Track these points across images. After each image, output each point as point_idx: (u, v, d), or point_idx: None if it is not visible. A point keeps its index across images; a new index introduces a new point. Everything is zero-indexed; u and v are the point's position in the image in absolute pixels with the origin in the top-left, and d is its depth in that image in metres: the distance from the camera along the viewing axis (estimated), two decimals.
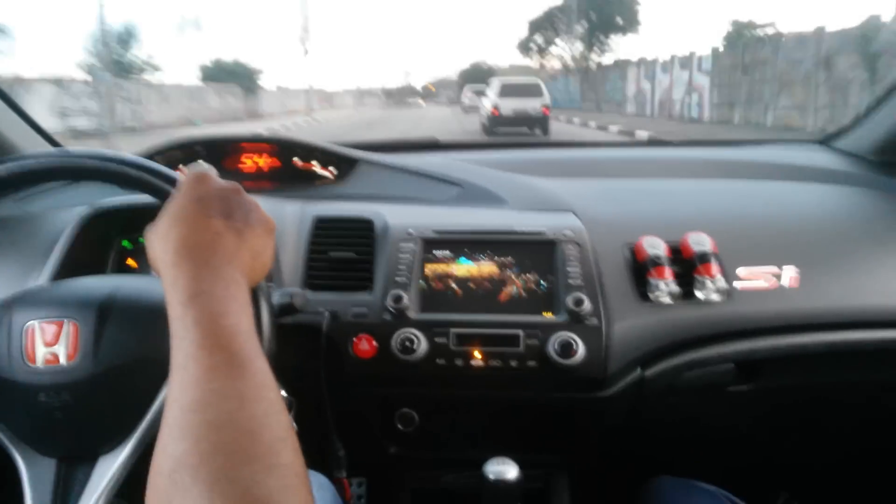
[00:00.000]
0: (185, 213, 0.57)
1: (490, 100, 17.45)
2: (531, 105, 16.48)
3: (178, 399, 0.46)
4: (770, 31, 33.22)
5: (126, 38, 23.84)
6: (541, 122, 16.50)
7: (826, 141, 1.63)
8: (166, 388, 0.63)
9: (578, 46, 51.34)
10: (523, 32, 61.90)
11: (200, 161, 1.42)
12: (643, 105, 24.37)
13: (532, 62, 57.65)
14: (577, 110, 33.55)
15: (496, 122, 16.54)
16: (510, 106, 16.39)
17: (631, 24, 48.48)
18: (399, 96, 74.89)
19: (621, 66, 27.53)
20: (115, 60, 22.54)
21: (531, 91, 16.83)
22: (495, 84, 17.60)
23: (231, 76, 30.34)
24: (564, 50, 53.56)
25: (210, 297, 0.51)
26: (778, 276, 1.11)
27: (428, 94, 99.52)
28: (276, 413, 0.47)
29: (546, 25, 52.93)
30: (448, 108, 46.25)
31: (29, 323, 0.70)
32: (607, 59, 50.33)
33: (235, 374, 0.47)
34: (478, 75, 70.58)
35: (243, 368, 0.48)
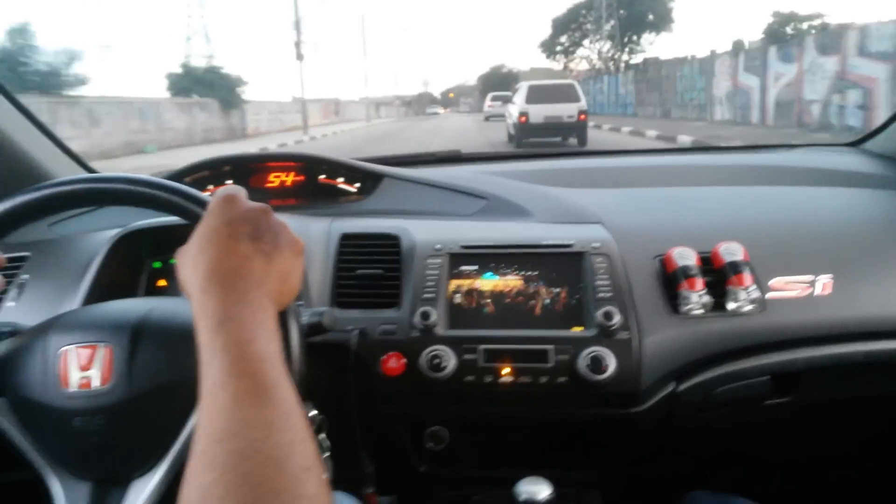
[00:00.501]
0: (214, 236, 0.56)
1: (517, 106, 14.72)
2: (565, 110, 13.85)
3: (205, 428, 0.45)
4: (816, 22, 26.38)
5: (26, 45, 16.34)
6: (577, 130, 13.98)
7: (857, 143, 1.56)
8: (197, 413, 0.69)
9: (607, 46, 43.71)
10: (545, 33, 54.01)
11: (230, 182, 1.42)
12: (747, 109, 17.27)
13: (556, 64, 49.79)
14: (631, 117, 26.66)
15: (524, 131, 14.17)
16: (541, 112, 13.91)
17: (664, 21, 40.79)
18: (418, 105, 67.41)
19: (707, 59, 19.70)
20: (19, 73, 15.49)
21: (565, 94, 14.13)
22: (523, 88, 14.91)
23: (205, 87, 23.93)
24: (592, 50, 45.58)
25: (238, 324, 0.50)
26: (812, 285, 1.07)
27: (448, 101, 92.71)
28: (302, 441, 0.46)
29: (571, 25, 45.43)
30: (469, 117, 39.58)
31: (63, 347, 0.70)
32: (637, 59, 42.16)
33: (262, 403, 0.46)
34: (498, 80, 64.09)
35: (269, 396, 0.47)
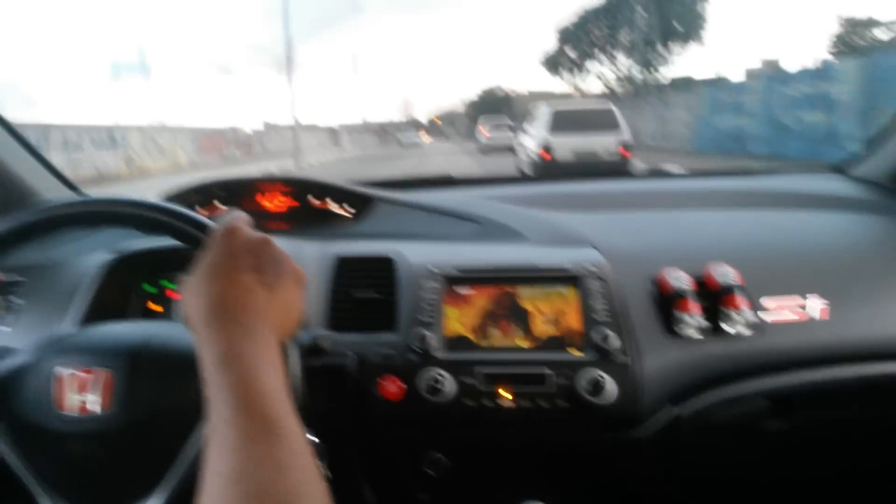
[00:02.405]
0: (217, 269, 0.62)
1: (536, 137, 13.19)
2: (602, 144, 12.18)
3: (216, 466, 0.50)
4: None
5: None
6: (617, 169, 11.97)
7: (842, 168, 1.74)
8: (195, 440, 0.75)
9: (623, 60, 42.21)
10: (545, 51, 52.58)
11: (232, 209, 1.48)
12: None
13: (561, 84, 48.32)
14: None
15: (547, 171, 12.28)
16: (569, 146, 12.19)
17: (694, 30, 39.23)
18: (396, 132, 64.15)
19: None
20: None
21: (600, 121, 12.48)
22: (543, 113, 13.29)
23: None
24: (606, 65, 43.97)
25: (243, 360, 0.56)
26: (805, 308, 1.21)
27: (433, 128, 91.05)
28: (312, 482, 0.51)
29: (580, 35, 43.86)
30: (458, 148, 36.59)
31: (62, 370, 0.77)
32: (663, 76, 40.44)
33: (271, 441, 0.51)
34: (491, 105, 61.81)
35: (279, 435, 0.52)
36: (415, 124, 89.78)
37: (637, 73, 39.26)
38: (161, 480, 0.74)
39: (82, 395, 0.75)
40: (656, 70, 39.37)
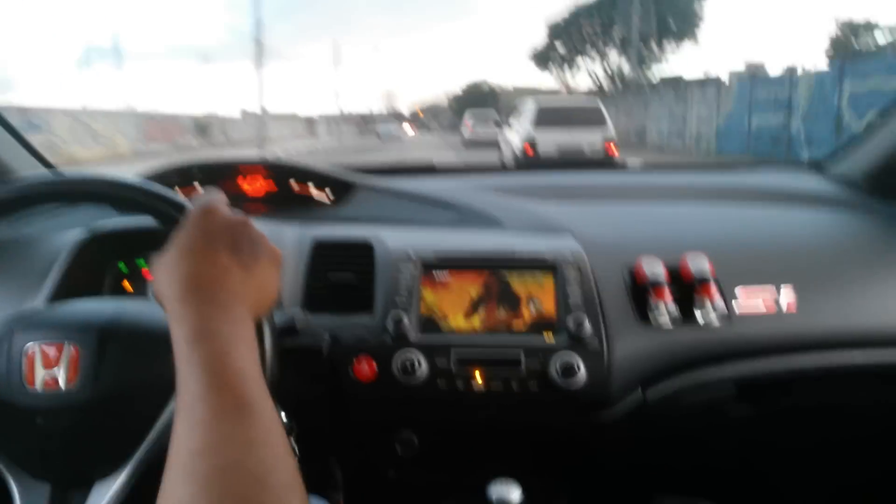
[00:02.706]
0: (193, 247, 0.62)
1: (520, 132, 13.23)
2: (586, 139, 12.23)
3: (184, 441, 0.50)
4: None
5: None
6: (602, 166, 10.95)
7: (819, 166, 1.78)
8: (165, 416, 0.77)
9: (614, 56, 41.37)
10: (539, 41, 51.62)
11: (209, 188, 1.55)
12: None
13: (549, 80, 47.45)
14: None
15: (531, 165, 12.19)
16: (553, 141, 12.17)
17: (689, 29, 38.49)
18: (377, 123, 62.35)
19: None
20: None
21: (585, 117, 12.64)
22: (529, 107, 13.44)
23: None
24: (595, 61, 43.10)
25: (217, 337, 0.56)
26: (776, 299, 1.24)
27: (416, 120, 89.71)
28: (284, 458, 0.51)
29: (570, 31, 42.93)
30: (441, 141, 35.53)
31: (29, 344, 0.77)
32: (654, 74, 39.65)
33: (243, 418, 0.51)
34: (476, 99, 60.46)
35: (250, 411, 0.52)
36: (397, 116, 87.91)
37: (630, 70, 38.45)
38: (130, 456, 0.75)
39: (50, 371, 0.75)
40: (649, 68, 38.59)
